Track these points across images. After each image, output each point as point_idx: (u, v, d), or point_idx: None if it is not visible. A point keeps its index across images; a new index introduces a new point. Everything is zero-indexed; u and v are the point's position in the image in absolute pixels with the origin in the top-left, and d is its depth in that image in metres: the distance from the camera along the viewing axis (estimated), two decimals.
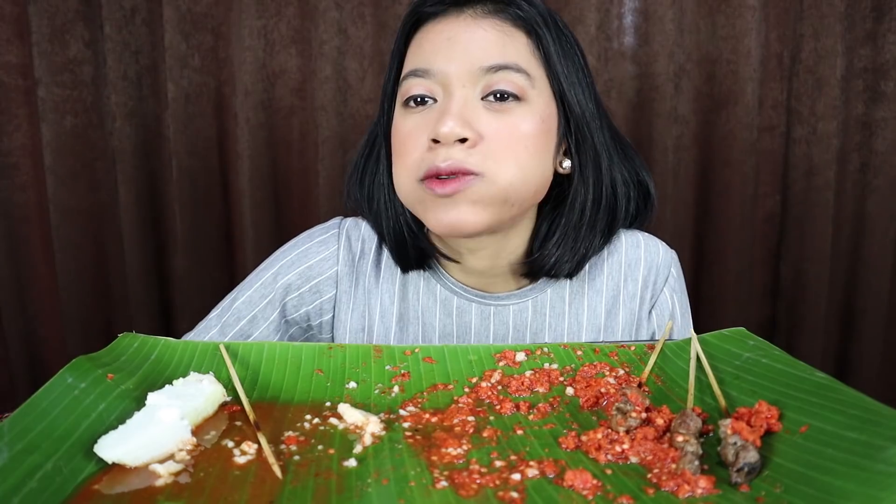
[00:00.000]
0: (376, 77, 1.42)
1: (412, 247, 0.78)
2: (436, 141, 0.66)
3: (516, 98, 0.68)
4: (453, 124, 0.65)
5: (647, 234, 0.85)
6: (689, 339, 0.65)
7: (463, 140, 0.66)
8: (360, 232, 0.84)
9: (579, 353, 0.66)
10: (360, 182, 0.81)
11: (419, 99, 0.70)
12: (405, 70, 0.71)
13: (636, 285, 0.81)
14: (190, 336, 0.83)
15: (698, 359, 0.58)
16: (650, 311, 0.82)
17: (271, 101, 1.43)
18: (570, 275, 0.78)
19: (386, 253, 0.83)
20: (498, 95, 0.68)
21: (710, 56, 1.45)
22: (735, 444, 0.43)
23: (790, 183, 1.51)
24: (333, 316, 0.83)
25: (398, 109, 0.72)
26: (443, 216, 0.68)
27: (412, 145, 0.69)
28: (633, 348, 0.66)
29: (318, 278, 0.81)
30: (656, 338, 0.82)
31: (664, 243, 0.85)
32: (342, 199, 0.84)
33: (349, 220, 0.85)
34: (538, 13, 0.71)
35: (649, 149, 1.46)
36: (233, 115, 1.42)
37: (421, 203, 0.70)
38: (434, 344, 0.67)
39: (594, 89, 0.76)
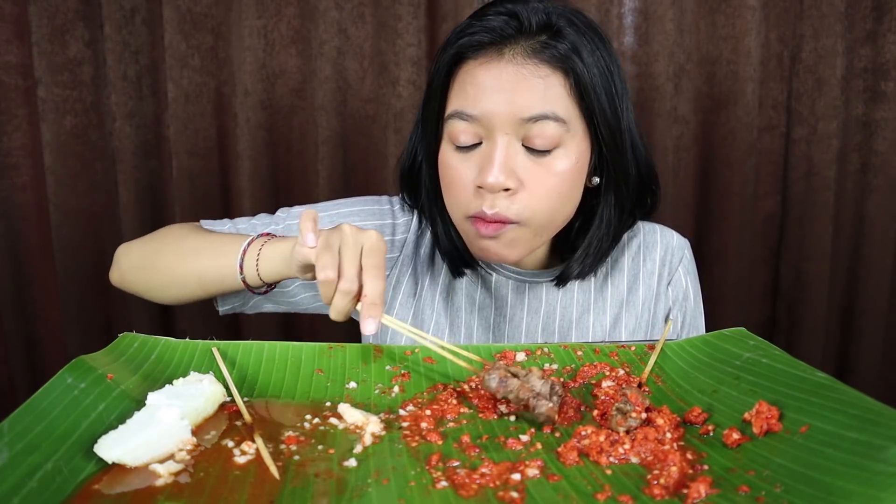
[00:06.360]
0: (376, 77, 1.41)
1: (460, 258, 0.85)
2: (481, 187, 0.73)
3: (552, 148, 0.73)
4: (499, 175, 0.71)
5: (660, 224, 0.93)
6: (690, 339, 0.65)
7: (507, 188, 0.72)
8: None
9: (579, 353, 0.66)
10: (410, 188, 0.88)
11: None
12: (451, 108, 0.75)
13: (654, 264, 0.90)
14: (242, 222, 0.91)
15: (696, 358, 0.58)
16: (667, 286, 0.90)
17: (271, 101, 1.43)
18: (594, 273, 0.87)
19: None
20: (536, 148, 0.72)
21: (710, 56, 1.45)
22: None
23: (790, 183, 1.51)
24: (387, 275, 0.88)
25: (446, 144, 0.77)
26: (484, 249, 0.77)
27: (461, 184, 0.76)
28: (633, 348, 0.66)
29: (390, 237, 0.89)
30: (671, 310, 0.90)
31: (676, 232, 0.93)
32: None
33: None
34: (572, 48, 0.71)
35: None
36: (233, 115, 1.42)
37: (467, 235, 0.79)
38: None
39: (626, 97, 0.77)
